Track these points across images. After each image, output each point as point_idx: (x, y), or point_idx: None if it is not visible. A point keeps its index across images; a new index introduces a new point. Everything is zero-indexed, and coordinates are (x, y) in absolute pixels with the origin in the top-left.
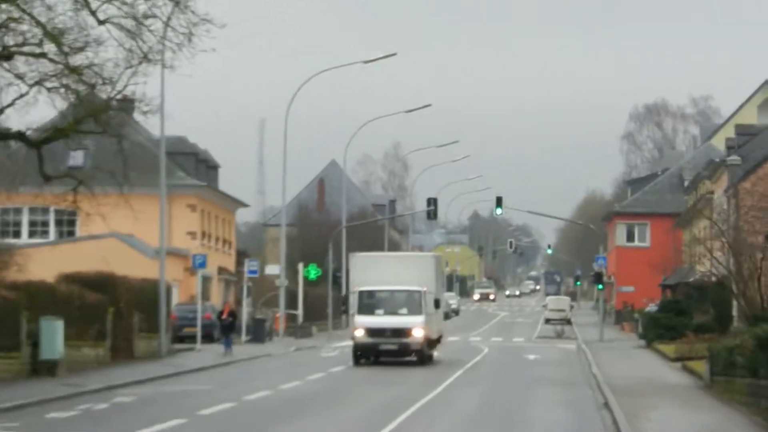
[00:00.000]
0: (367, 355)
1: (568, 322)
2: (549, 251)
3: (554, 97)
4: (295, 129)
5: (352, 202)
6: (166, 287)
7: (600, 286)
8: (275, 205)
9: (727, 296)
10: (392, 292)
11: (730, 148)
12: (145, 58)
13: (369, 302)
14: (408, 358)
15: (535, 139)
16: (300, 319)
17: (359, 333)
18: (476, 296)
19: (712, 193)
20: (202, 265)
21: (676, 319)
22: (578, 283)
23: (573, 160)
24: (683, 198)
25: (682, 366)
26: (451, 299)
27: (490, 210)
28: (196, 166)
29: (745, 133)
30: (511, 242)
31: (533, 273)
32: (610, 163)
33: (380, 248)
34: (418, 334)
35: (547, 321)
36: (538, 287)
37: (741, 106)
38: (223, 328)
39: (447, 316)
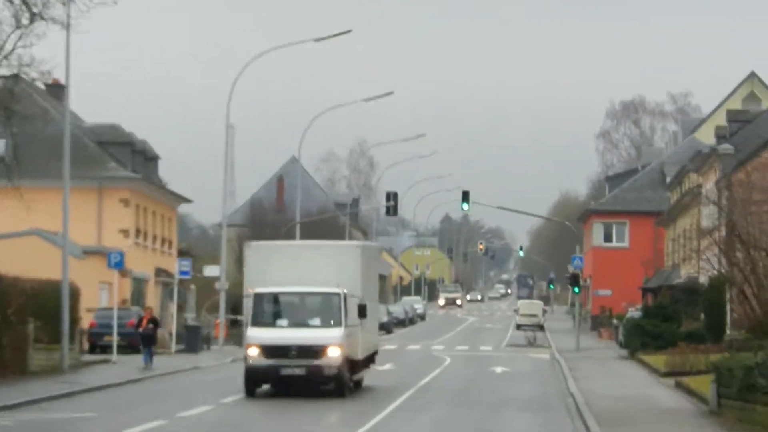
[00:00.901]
0: (263, 382)
1: (541, 327)
2: (521, 253)
3: (527, 95)
4: (260, 126)
5: (313, 200)
6: (73, 290)
7: (576, 289)
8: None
9: (721, 301)
10: (300, 295)
11: (721, 137)
12: (37, 15)
13: (267, 309)
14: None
15: (506, 139)
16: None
17: (253, 352)
18: (441, 301)
19: (699, 186)
20: (119, 264)
21: (663, 326)
22: (551, 286)
23: (547, 161)
24: (665, 195)
25: (675, 383)
26: (417, 303)
27: (461, 212)
28: (132, 157)
29: (738, 119)
30: (481, 243)
31: (505, 276)
32: (586, 164)
33: None
34: (334, 353)
35: (519, 327)
36: (509, 291)
37: (726, 98)
38: (143, 338)
39: (411, 322)
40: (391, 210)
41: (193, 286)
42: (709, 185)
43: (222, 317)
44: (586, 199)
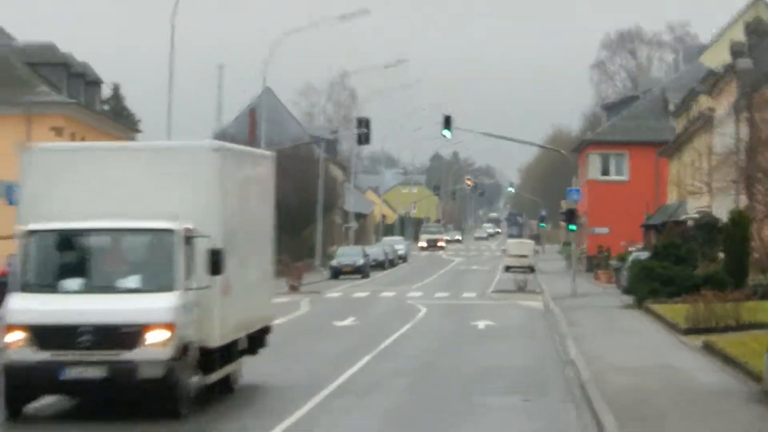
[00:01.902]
0: (38, 394)
1: (532, 269)
2: (510, 189)
3: (518, 30)
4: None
5: (288, 134)
6: None
7: (572, 227)
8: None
9: (744, 238)
10: (102, 234)
11: (738, 53)
12: None
13: (46, 262)
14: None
15: (496, 71)
16: None
17: (16, 339)
18: (422, 243)
19: (712, 110)
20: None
21: (676, 268)
22: (543, 224)
23: (539, 94)
24: (668, 123)
25: (704, 345)
26: (398, 245)
27: (451, 149)
28: (68, 80)
29: (758, 31)
30: (468, 179)
31: (493, 215)
32: (580, 98)
33: (311, 186)
34: (157, 338)
35: (507, 269)
36: (498, 230)
37: (730, 24)
38: None
39: (391, 264)
40: (363, 138)
41: None
42: (722, 108)
43: None
44: (580, 134)
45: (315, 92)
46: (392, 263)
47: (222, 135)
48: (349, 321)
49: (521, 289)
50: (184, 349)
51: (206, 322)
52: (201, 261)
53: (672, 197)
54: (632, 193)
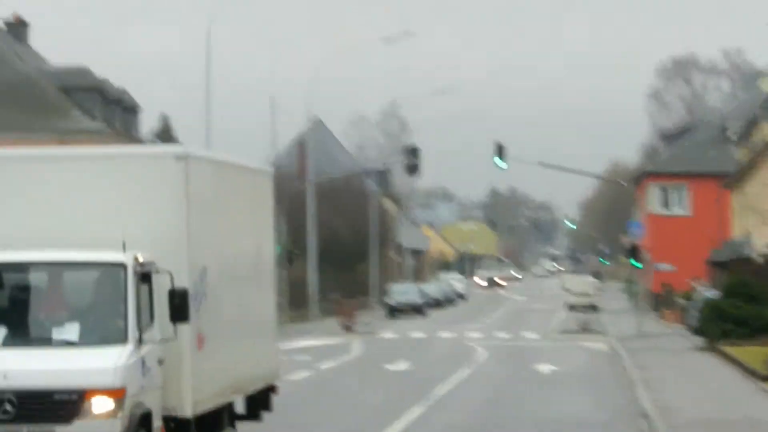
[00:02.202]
0: None
1: (595, 308)
2: (570, 224)
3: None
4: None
5: (338, 166)
6: None
7: (636, 264)
8: None
9: None
10: (29, 270)
11: None
12: None
13: None
14: None
15: (550, 103)
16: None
17: None
18: (480, 281)
19: None
20: None
21: (749, 308)
22: (603, 261)
23: (593, 126)
24: (729, 153)
25: None
26: (456, 281)
27: (508, 185)
28: (102, 106)
29: None
30: (526, 212)
31: (554, 251)
32: (635, 127)
33: (364, 220)
34: (102, 407)
35: (571, 308)
36: (559, 267)
37: None
38: None
39: (449, 302)
40: (412, 168)
41: None
42: None
43: None
44: (639, 166)
45: (366, 123)
46: (450, 301)
47: (277, 165)
48: (402, 366)
49: (585, 329)
50: (140, 422)
51: (173, 386)
52: (158, 303)
53: (735, 231)
54: (694, 226)
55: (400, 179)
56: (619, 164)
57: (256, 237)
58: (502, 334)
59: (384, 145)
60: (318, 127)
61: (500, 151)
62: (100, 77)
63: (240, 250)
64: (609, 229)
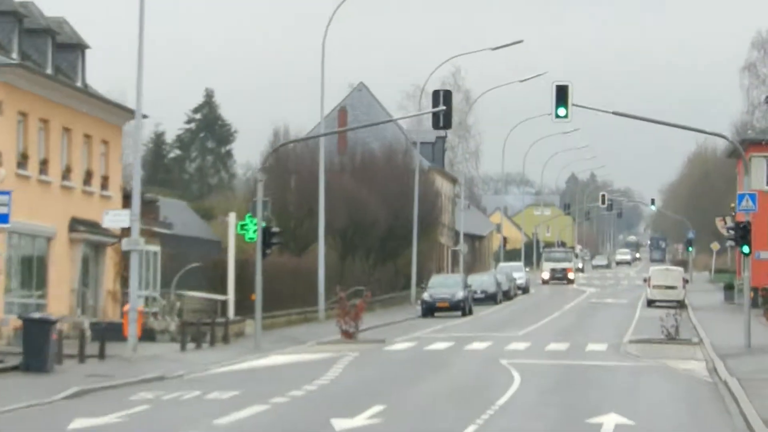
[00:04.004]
0: None
1: (682, 305)
2: (653, 207)
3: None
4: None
5: (384, 138)
6: None
7: (745, 249)
8: None
9: None
10: None
11: None
12: None
13: None
14: None
15: (635, 84)
16: (230, 306)
17: None
18: (544, 273)
19: None
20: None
21: None
22: (690, 248)
23: (681, 104)
24: None
25: None
26: (517, 272)
27: (589, 172)
28: (21, 37)
29: None
30: (603, 196)
31: (632, 238)
32: (726, 106)
33: (408, 200)
34: None
35: (650, 303)
36: (638, 255)
37: None
38: None
39: (506, 296)
40: (442, 119)
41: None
42: None
43: (134, 296)
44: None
45: (426, 96)
46: (507, 295)
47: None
48: (363, 416)
49: (670, 336)
50: None
51: None
52: None
53: None
54: None
55: (461, 156)
56: (707, 147)
57: None
58: (558, 345)
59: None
60: (361, 94)
61: (561, 96)
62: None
63: None
64: (695, 215)
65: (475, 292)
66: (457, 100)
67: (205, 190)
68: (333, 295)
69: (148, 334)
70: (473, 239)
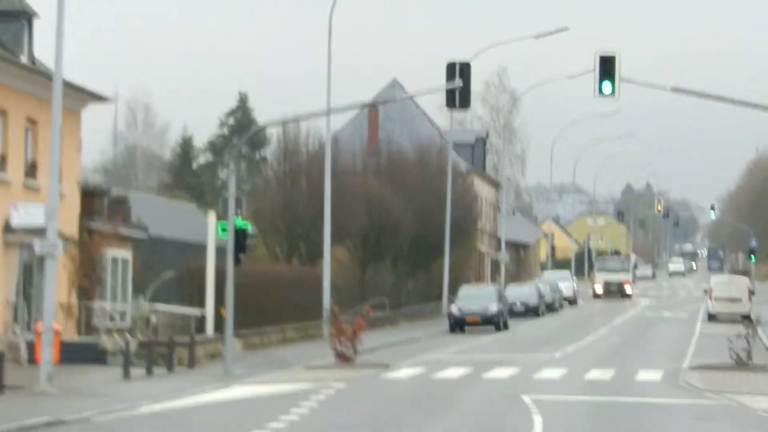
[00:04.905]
0: None
1: (749, 320)
2: (712, 215)
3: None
4: None
5: (419, 138)
6: None
7: None
8: None
9: None
10: None
11: None
12: None
13: None
14: None
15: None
16: (208, 322)
17: None
18: (597, 286)
19: None
20: None
21: None
22: (752, 257)
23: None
24: None
25: None
26: (563, 281)
27: (644, 181)
28: None
29: None
30: (659, 201)
31: (688, 246)
32: None
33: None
34: None
35: (712, 317)
36: (694, 265)
37: None
38: None
39: (550, 309)
40: (457, 97)
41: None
42: None
43: (49, 314)
44: None
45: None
46: (551, 308)
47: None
48: None
49: (741, 362)
50: None
51: None
52: None
53: None
54: None
55: (507, 159)
56: None
57: None
58: (599, 373)
59: (489, 121)
60: (394, 91)
61: (607, 69)
62: None
63: None
64: (757, 223)
65: (514, 305)
66: (502, 101)
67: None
68: (349, 309)
69: (98, 357)
70: (518, 248)
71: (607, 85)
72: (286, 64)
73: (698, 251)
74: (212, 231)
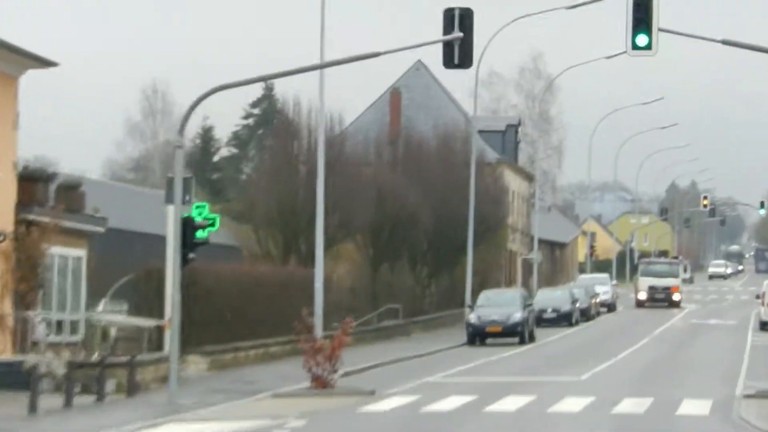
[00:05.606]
0: None
1: None
2: (762, 211)
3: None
4: None
5: (445, 124)
6: None
7: None
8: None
9: None
10: None
11: None
12: None
13: None
14: None
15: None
16: (167, 334)
17: None
18: (641, 292)
19: None
20: None
21: None
22: None
23: None
24: None
25: None
26: (600, 286)
27: (689, 179)
28: None
29: None
30: (705, 197)
31: (735, 247)
32: None
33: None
34: None
35: (764, 325)
36: (740, 267)
37: None
38: None
39: (584, 316)
40: (457, 53)
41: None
42: None
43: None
44: None
45: (503, 82)
46: (587, 315)
47: (356, 125)
48: None
49: None
50: None
51: None
52: None
53: None
54: None
55: (542, 151)
56: None
57: None
58: (633, 403)
59: (523, 110)
60: (419, 73)
61: (642, 18)
62: None
63: None
64: None
65: (544, 311)
66: (538, 87)
67: None
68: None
69: (23, 380)
70: (553, 247)
71: (642, 38)
72: (309, 52)
73: (745, 252)
74: (172, 223)
